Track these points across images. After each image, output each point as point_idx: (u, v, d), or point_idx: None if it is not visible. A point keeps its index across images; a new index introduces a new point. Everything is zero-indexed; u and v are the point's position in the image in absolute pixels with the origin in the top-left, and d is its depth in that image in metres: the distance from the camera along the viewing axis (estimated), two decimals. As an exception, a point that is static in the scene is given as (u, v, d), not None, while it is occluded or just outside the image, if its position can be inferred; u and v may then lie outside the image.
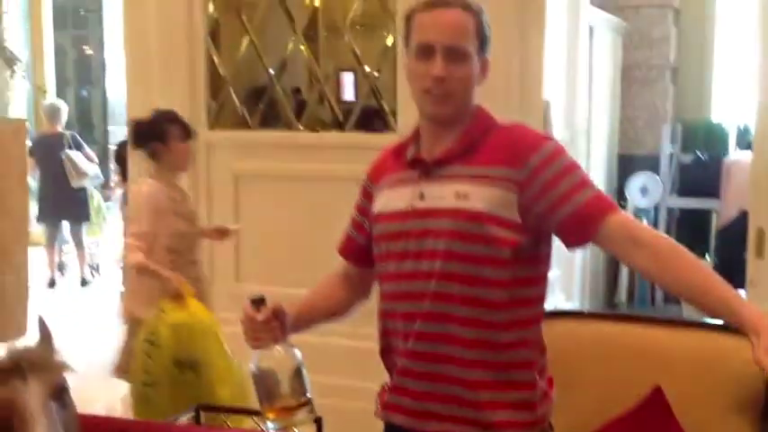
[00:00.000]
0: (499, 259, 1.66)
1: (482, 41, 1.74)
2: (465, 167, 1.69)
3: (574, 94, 4.65)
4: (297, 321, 1.81)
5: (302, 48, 4.29)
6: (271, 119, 4.46)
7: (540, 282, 1.76)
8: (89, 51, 12.65)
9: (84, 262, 7.59)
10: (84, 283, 7.55)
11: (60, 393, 1.78)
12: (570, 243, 1.71)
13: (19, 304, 2.33)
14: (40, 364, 1.77)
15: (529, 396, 1.73)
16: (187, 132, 3.48)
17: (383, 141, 3.92)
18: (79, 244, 7.53)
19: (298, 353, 1.72)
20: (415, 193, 1.72)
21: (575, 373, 2.17)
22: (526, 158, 1.66)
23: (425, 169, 1.73)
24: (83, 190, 7.28)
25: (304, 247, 3.94)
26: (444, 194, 1.69)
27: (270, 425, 1.71)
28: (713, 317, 1.69)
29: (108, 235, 8.09)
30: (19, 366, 1.74)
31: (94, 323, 6.14)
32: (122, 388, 4.54)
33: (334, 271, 1.98)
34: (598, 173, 5.42)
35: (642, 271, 1.69)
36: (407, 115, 3.91)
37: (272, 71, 4.28)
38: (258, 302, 1.74)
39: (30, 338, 1.86)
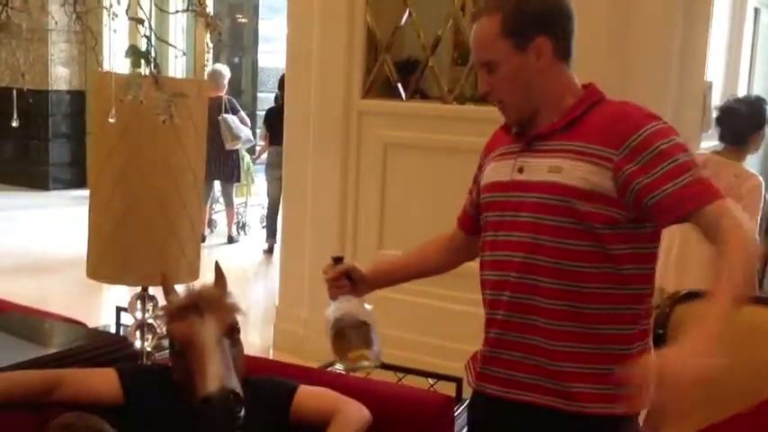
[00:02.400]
0: (588, 233, 1.65)
1: (516, 34, 1.69)
2: (563, 142, 1.69)
3: (735, 77, 4.50)
4: (387, 276, 2.10)
5: (456, 23, 4.35)
6: (422, 91, 4.56)
7: (636, 260, 1.70)
8: (242, 20, 13.17)
9: (232, 221, 7.97)
10: (230, 240, 7.93)
11: (232, 332, 1.95)
12: (663, 222, 1.65)
13: (194, 250, 2.53)
14: (216, 304, 1.95)
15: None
16: None
17: (488, 114, 4.00)
18: (229, 203, 7.91)
19: (368, 309, 1.95)
20: (516, 166, 1.75)
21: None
22: (625, 138, 1.63)
23: (527, 142, 1.75)
24: (236, 152, 7.63)
25: (446, 218, 4.02)
26: (540, 167, 1.70)
27: (338, 365, 1.96)
28: None
29: (255, 196, 8.47)
30: (197, 305, 1.93)
31: (240, 278, 6.49)
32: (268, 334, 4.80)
33: (444, 233, 2.09)
34: (755, 156, 5.23)
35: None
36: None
37: (426, 44, 4.37)
38: (336, 260, 2.01)
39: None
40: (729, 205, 1.60)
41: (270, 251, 7.53)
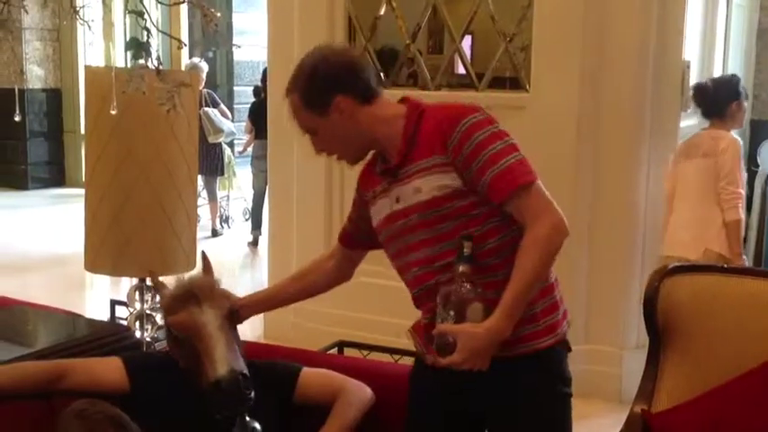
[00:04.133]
0: (470, 221, 1.81)
1: (314, 104, 1.87)
2: (413, 165, 1.86)
3: (710, 57, 4.58)
4: (266, 303, 2.23)
5: (437, 11, 4.39)
6: (404, 79, 4.60)
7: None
8: (216, 13, 13.12)
9: (216, 214, 7.98)
10: (214, 234, 7.94)
11: (230, 317, 2.00)
12: (494, 202, 1.81)
13: (190, 240, 2.56)
14: (210, 291, 2.00)
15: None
16: None
17: (516, 101, 4.07)
18: (212, 197, 7.91)
19: None
20: (392, 199, 1.90)
21: (705, 325, 2.26)
22: (447, 140, 1.81)
23: (391, 175, 1.90)
24: (218, 145, 7.63)
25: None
26: (407, 193, 1.87)
27: None
28: None
29: (237, 189, 8.48)
30: (193, 294, 1.97)
31: (227, 270, 6.51)
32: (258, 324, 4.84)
33: (322, 255, 2.23)
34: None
35: None
36: (540, 78, 3.99)
37: (407, 33, 4.41)
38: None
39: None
40: (538, 191, 1.79)
41: (255, 243, 7.55)
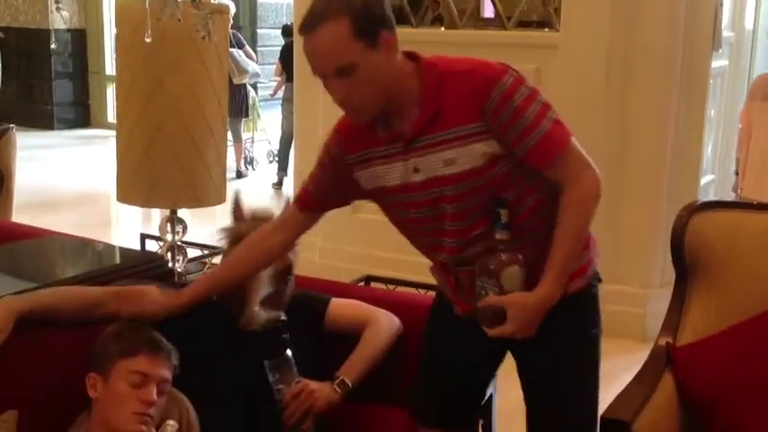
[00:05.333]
0: (505, 186, 1.73)
1: (367, 33, 1.62)
2: (439, 134, 1.71)
3: (744, -4, 4.49)
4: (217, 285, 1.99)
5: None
6: (429, 22, 4.56)
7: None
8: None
9: (240, 156, 8.02)
10: (239, 175, 7.99)
11: (289, 270, 2.06)
12: (534, 168, 1.74)
13: (220, 174, 2.59)
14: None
15: None
16: None
17: (547, 40, 4.03)
18: (237, 138, 7.94)
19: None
20: (408, 169, 1.75)
21: (732, 261, 2.26)
22: (484, 105, 1.67)
23: (406, 144, 1.74)
24: (243, 86, 7.63)
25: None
26: (434, 164, 1.72)
27: None
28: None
29: (261, 131, 8.50)
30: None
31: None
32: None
33: (262, 232, 1.98)
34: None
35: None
36: (571, 16, 3.93)
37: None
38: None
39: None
40: (573, 152, 1.73)
41: (279, 185, 7.60)
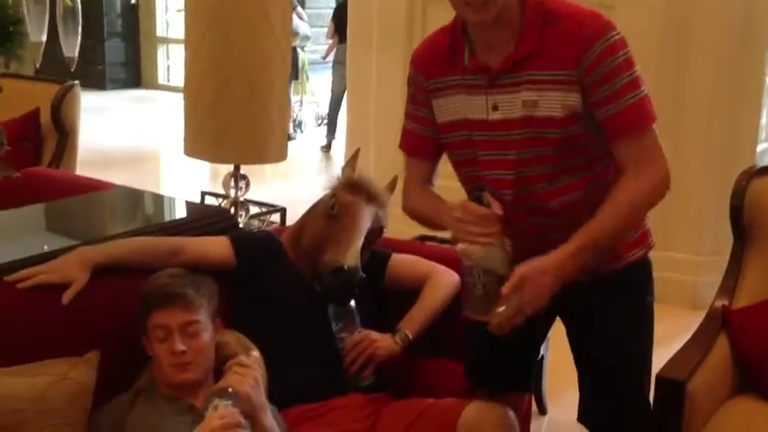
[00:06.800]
0: (572, 150, 1.69)
1: None
2: (530, 73, 1.66)
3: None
4: None
5: None
6: None
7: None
8: None
9: (289, 118, 8.08)
10: (288, 138, 8.03)
11: (380, 232, 2.11)
12: (609, 135, 1.69)
13: (282, 130, 2.65)
14: (382, 202, 2.09)
15: None
16: None
17: (602, 1, 3.98)
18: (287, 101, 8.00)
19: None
20: (489, 104, 1.70)
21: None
22: (583, 54, 1.62)
23: (491, 78, 1.68)
24: (293, 48, 7.67)
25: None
26: (514, 104, 1.67)
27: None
28: None
29: (310, 94, 8.55)
30: (369, 191, 2.07)
31: (302, 173, 6.66)
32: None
33: (415, 183, 1.88)
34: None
35: None
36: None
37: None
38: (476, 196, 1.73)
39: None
40: (654, 137, 1.67)
41: (328, 148, 7.65)
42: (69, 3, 2.32)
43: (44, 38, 2.37)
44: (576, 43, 1.63)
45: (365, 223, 2.02)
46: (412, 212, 1.89)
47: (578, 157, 1.71)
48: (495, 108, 1.69)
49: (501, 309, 1.62)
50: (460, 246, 1.69)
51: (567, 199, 1.73)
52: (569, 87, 1.64)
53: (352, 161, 2.20)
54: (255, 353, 1.79)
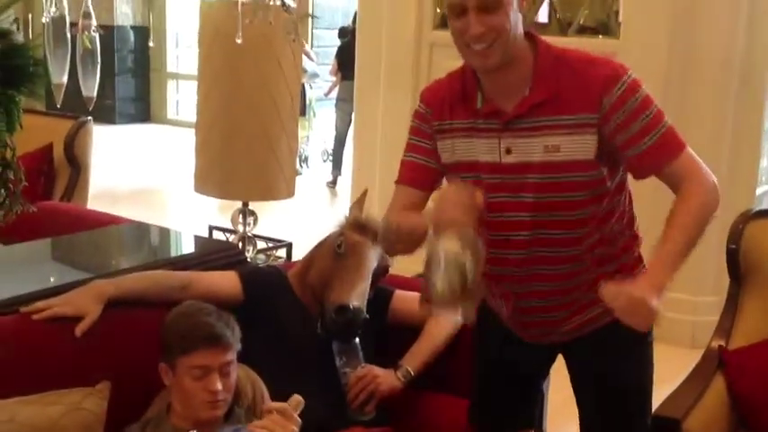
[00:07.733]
0: (591, 197, 1.71)
1: None
2: (547, 118, 1.66)
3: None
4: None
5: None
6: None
7: (620, 188, 1.78)
8: (298, -44, 13.17)
9: (296, 155, 8.16)
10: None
11: (385, 272, 2.16)
12: (636, 177, 1.75)
13: (290, 168, 2.71)
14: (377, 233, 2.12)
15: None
16: None
17: (608, 47, 4.08)
18: (293, 137, 8.09)
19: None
20: (502, 147, 1.69)
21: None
22: (600, 99, 1.64)
23: (506, 122, 1.69)
24: (301, 85, 7.77)
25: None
26: (533, 148, 1.67)
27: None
28: None
29: (316, 130, 8.64)
30: (376, 232, 2.09)
31: (307, 209, 6.71)
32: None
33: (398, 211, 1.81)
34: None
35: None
36: (631, 23, 3.99)
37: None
38: None
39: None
40: (690, 155, 1.71)
41: (334, 183, 7.72)
42: (89, 45, 2.41)
43: (65, 79, 2.45)
44: (595, 85, 1.65)
45: (371, 264, 2.08)
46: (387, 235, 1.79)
47: (599, 203, 1.72)
48: (508, 151, 1.69)
49: None
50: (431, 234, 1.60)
51: (579, 247, 1.74)
52: (590, 130, 1.66)
53: (359, 201, 2.25)
54: (295, 400, 1.71)
